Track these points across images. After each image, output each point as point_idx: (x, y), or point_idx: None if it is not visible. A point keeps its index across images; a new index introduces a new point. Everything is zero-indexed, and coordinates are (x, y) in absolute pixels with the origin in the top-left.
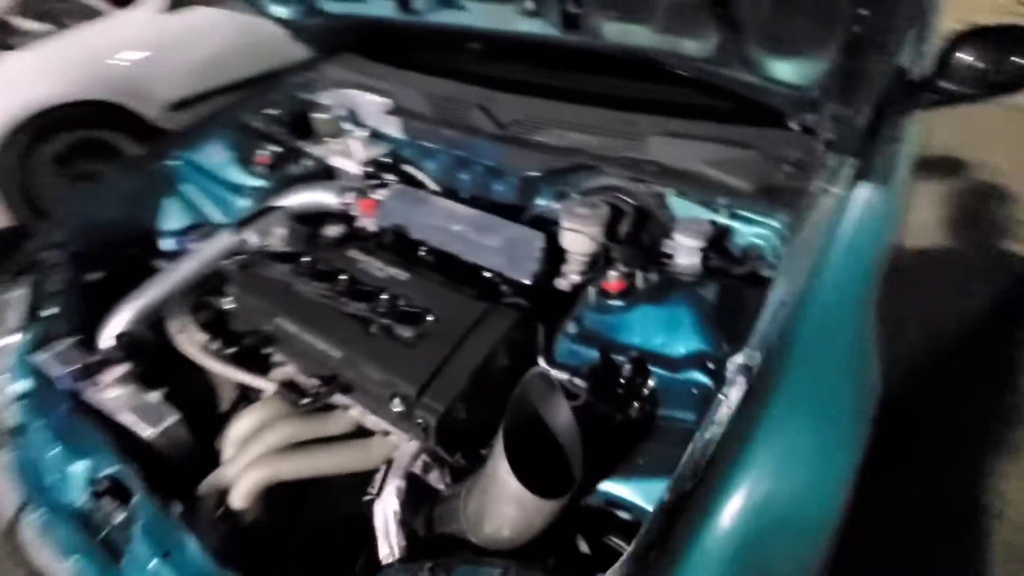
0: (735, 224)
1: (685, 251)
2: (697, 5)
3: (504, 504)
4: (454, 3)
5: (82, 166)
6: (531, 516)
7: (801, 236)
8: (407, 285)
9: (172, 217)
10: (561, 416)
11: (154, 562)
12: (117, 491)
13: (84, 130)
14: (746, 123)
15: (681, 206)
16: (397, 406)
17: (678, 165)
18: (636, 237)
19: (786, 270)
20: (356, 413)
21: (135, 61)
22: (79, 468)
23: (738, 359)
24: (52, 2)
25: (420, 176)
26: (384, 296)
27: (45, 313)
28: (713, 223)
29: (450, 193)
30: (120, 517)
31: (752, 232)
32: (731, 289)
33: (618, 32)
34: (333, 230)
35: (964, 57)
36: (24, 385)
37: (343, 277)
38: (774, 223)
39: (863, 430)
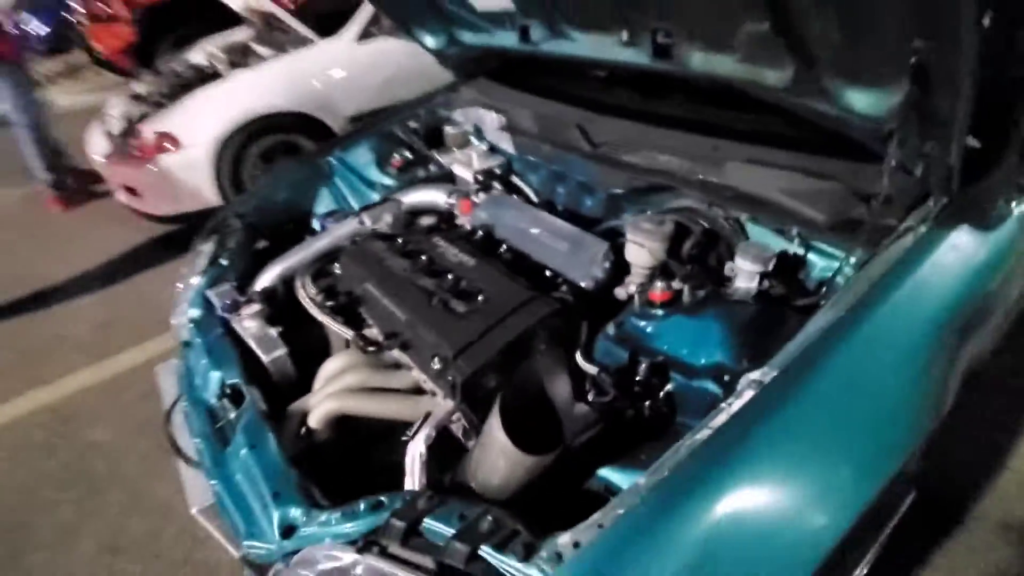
0: (809, 255)
1: (745, 275)
2: (772, 36)
3: (494, 455)
4: (564, 34)
5: (279, 163)
6: (515, 468)
7: (866, 271)
8: (471, 270)
9: (323, 203)
10: (562, 391)
11: (244, 451)
12: (236, 396)
13: (284, 135)
14: (830, 154)
15: (755, 232)
16: (436, 364)
17: (754, 191)
18: (702, 257)
19: (836, 300)
20: (416, 374)
21: (329, 82)
22: (215, 376)
23: (753, 375)
24: (279, 33)
25: (522, 186)
26: (450, 276)
27: (222, 262)
28: (784, 251)
29: (547, 203)
30: (232, 415)
31: (825, 264)
32: (775, 313)
33: (702, 61)
34: (427, 220)
35: None
36: (196, 312)
37: (423, 257)
38: (851, 257)
39: (877, 480)
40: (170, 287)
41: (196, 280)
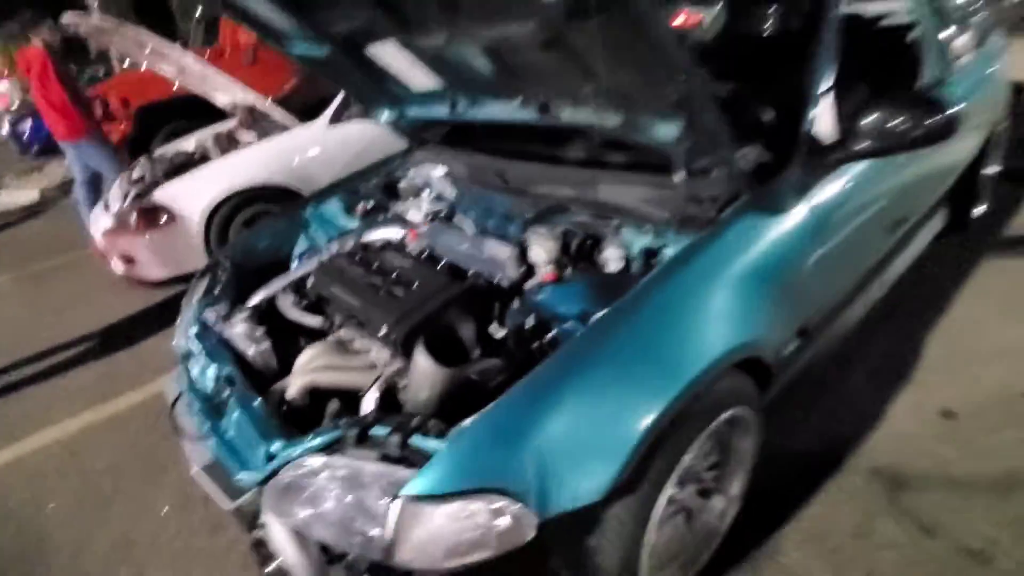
0: (659, 242)
1: (613, 261)
2: (603, 93)
3: (420, 376)
4: (479, 103)
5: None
6: (435, 381)
7: (684, 247)
8: (409, 269)
9: (300, 247)
10: (467, 334)
11: (236, 413)
12: (229, 381)
13: (267, 204)
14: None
15: (626, 232)
16: (382, 331)
17: (621, 203)
18: (588, 254)
19: (660, 267)
20: (372, 354)
21: (306, 159)
22: (212, 370)
23: (598, 315)
24: (261, 121)
25: (462, 222)
26: (393, 274)
27: (214, 293)
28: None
29: (481, 231)
30: (227, 392)
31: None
32: (623, 279)
33: (570, 114)
34: (378, 241)
35: (866, 123)
36: (195, 329)
37: (374, 265)
38: (680, 240)
39: (673, 388)
40: (165, 341)
41: (194, 305)
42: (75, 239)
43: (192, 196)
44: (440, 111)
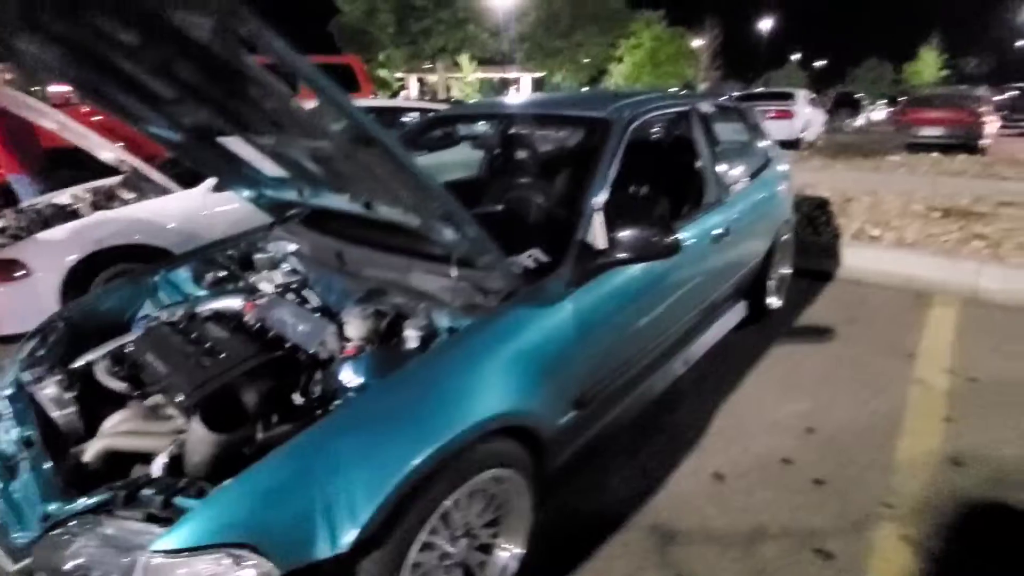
0: (458, 324)
1: (412, 339)
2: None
3: (196, 441)
4: (319, 194)
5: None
6: (207, 445)
7: (461, 329)
8: (223, 340)
9: (145, 310)
10: (252, 402)
11: (27, 474)
12: (27, 443)
13: (131, 263)
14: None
15: (434, 313)
16: (179, 398)
17: (428, 290)
18: (396, 331)
19: (437, 345)
20: (180, 422)
21: (185, 223)
22: (15, 432)
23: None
24: (143, 182)
25: (310, 295)
26: (206, 344)
27: (38, 354)
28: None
29: (324, 306)
30: (23, 454)
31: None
32: (408, 353)
33: (386, 212)
34: (207, 311)
35: (623, 236)
36: (9, 391)
37: (192, 335)
38: (463, 323)
39: (427, 446)
40: None
41: (15, 365)
42: None
43: (53, 251)
44: (290, 194)
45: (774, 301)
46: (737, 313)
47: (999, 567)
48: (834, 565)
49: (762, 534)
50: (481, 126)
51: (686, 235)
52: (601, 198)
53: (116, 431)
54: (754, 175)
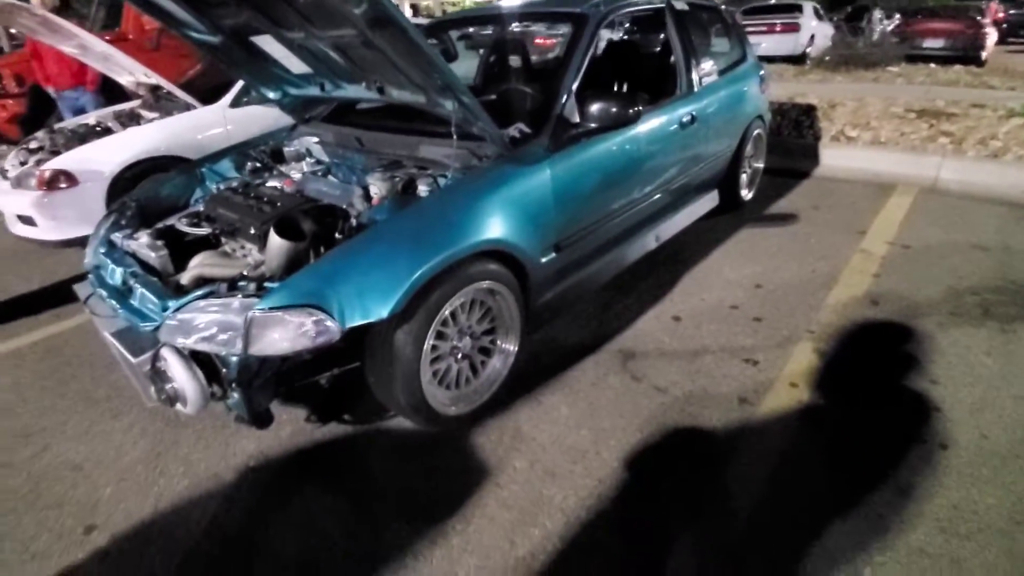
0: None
1: (423, 191)
2: (408, 82)
3: (273, 252)
4: (339, 87)
5: None
6: (279, 251)
7: (458, 177)
8: (278, 196)
9: (195, 196)
10: (307, 226)
11: (141, 291)
12: (133, 275)
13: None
14: (465, 139)
15: (438, 178)
16: (251, 231)
17: (434, 158)
18: (411, 190)
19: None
20: (248, 260)
21: (207, 135)
22: (119, 272)
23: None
24: (165, 102)
25: (333, 178)
26: (264, 198)
27: (121, 223)
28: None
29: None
30: (132, 282)
31: None
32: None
33: (397, 95)
34: (264, 180)
35: (593, 109)
36: (103, 248)
37: (252, 194)
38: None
39: (429, 259)
40: (54, 294)
41: (103, 230)
42: None
43: (98, 161)
44: (313, 90)
45: (746, 193)
46: (710, 201)
47: (882, 363)
48: (758, 367)
49: (704, 351)
50: (475, 31)
51: (655, 118)
52: (577, 79)
53: (202, 264)
54: (725, 71)
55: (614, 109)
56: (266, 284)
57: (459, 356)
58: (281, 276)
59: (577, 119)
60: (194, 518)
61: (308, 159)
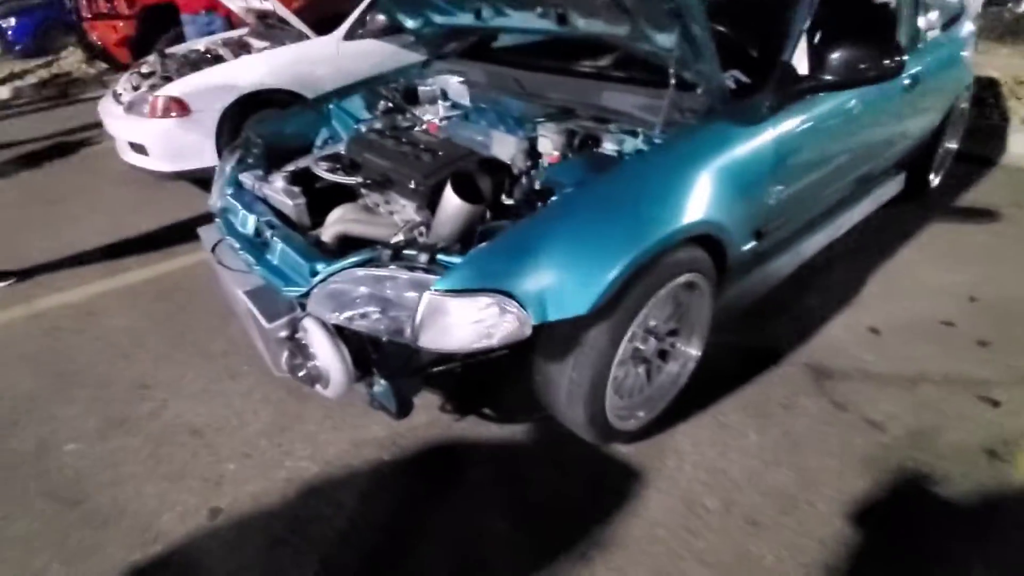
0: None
1: (609, 151)
2: (614, 6)
3: (448, 213)
4: (502, 13)
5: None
6: (457, 214)
7: (666, 139)
8: (434, 143)
9: (322, 135)
10: (484, 184)
11: (280, 246)
12: (269, 225)
13: (277, 108)
14: (661, 87)
15: (620, 135)
16: (412, 185)
17: (619, 108)
18: (589, 146)
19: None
20: (396, 218)
21: (320, 69)
22: (251, 219)
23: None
24: (276, 30)
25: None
26: (420, 145)
27: (248, 160)
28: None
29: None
30: (268, 233)
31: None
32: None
33: (585, 25)
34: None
35: (834, 57)
36: (231, 189)
37: (403, 138)
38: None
39: (645, 240)
40: (168, 229)
41: (228, 170)
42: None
43: (211, 91)
44: (465, 18)
45: (933, 178)
46: (896, 184)
47: None
48: (1000, 410)
49: (922, 379)
50: None
51: None
52: (808, 18)
53: (347, 219)
54: (947, 25)
55: (864, 59)
56: (439, 258)
57: (637, 359)
58: (453, 246)
59: (806, 68)
60: (327, 515)
61: (443, 102)
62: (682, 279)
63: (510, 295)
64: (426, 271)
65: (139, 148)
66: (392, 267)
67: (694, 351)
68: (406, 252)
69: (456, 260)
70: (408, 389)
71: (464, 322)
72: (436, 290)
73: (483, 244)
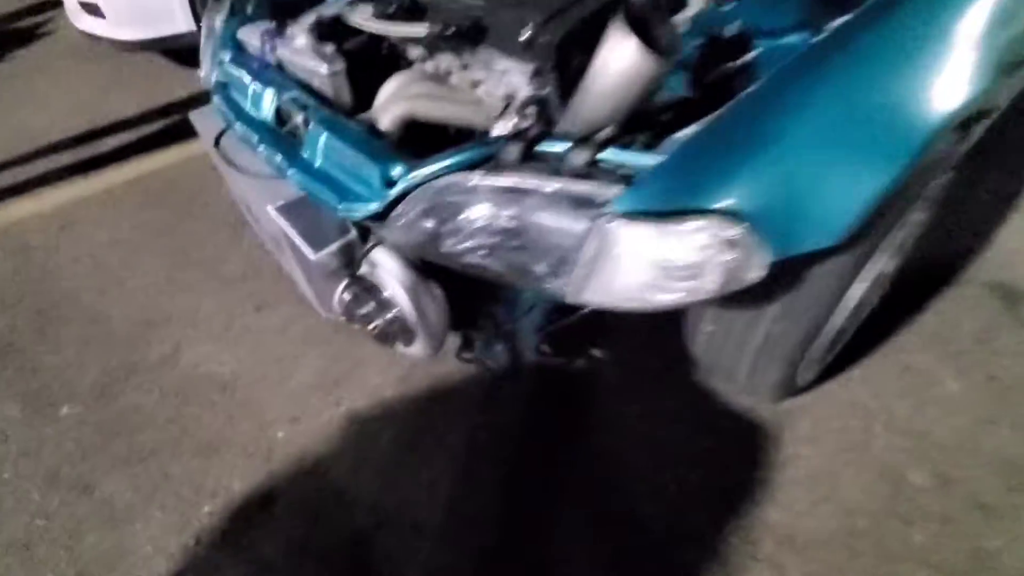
0: None
1: None
2: None
3: (611, 72)
4: None
5: None
6: (639, 73)
7: None
8: None
9: None
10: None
11: (323, 138)
12: (299, 105)
13: None
14: None
15: None
16: (525, 34)
17: None
18: None
19: None
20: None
21: None
22: (269, 96)
23: (835, 23)
24: None
25: None
26: None
27: (247, 11)
28: None
29: None
30: (300, 118)
31: None
32: None
33: None
34: None
35: None
36: (228, 55)
37: None
38: None
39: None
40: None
41: (219, 27)
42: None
43: None
44: None
45: None
46: None
47: None
48: None
49: None
50: None
51: None
52: None
53: (412, 94)
54: None
55: None
56: (607, 154)
57: None
58: (617, 139)
59: None
60: (424, 505)
61: None
62: (942, 180)
63: (739, 217)
64: (594, 180)
65: (92, 8)
66: (527, 171)
67: (890, 269)
68: (543, 147)
69: (644, 159)
70: (528, 347)
71: (661, 261)
72: (615, 214)
73: (687, 131)
